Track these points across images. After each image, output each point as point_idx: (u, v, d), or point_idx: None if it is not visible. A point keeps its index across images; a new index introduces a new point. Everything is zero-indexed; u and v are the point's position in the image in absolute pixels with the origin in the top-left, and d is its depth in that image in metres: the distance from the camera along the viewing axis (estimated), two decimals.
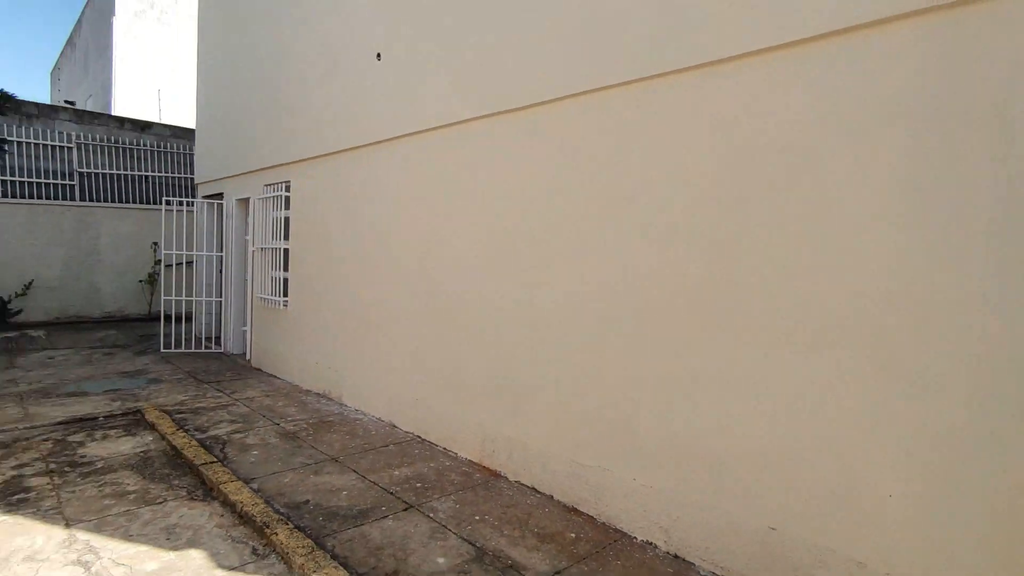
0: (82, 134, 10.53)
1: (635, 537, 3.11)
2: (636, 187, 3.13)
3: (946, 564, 2.12)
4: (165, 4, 15.04)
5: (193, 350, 7.95)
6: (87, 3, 17.43)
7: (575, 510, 3.42)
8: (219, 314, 8.38)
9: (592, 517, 3.33)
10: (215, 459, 3.98)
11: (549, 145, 3.60)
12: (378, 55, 5.06)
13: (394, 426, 4.88)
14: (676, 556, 2.93)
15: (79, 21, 18.55)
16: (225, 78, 8.12)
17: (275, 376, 6.67)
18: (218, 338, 8.31)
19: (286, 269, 6.60)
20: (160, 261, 10.30)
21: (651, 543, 3.05)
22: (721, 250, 2.77)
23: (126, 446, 4.31)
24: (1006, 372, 1.99)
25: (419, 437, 4.61)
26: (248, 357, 7.39)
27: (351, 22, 5.40)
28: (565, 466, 3.50)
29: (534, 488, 3.69)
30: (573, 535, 3.12)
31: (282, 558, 2.81)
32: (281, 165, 6.65)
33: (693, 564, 2.86)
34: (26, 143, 9.83)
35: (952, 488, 2.10)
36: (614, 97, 3.22)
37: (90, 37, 16.94)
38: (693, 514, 2.88)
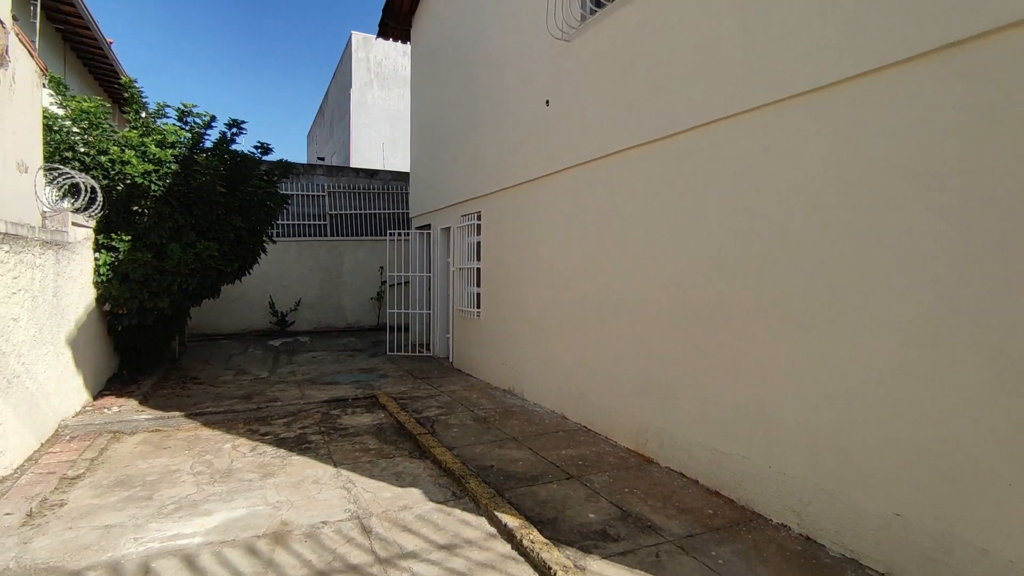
0: (331, 184, 13.48)
1: (770, 519, 3.40)
2: (758, 203, 3.48)
3: None
4: (386, 72, 18.31)
5: (409, 353, 9.72)
6: (332, 80, 21.90)
7: (717, 493, 3.79)
8: (428, 324, 10.08)
9: (732, 500, 3.68)
10: (427, 432, 5.15)
11: (683, 169, 4.09)
12: (547, 102, 5.97)
13: (564, 417, 5.64)
14: (808, 538, 3.17)
15: (326, 94, 23.32)
16: (431, 128, 9.88)
17: (471, 375, 7.94)
18: (428, 344, 10.00)
19: (478, 285, 7.85)
20: (385, 282, 12.65)
21: (785, 525, 3.32)
22: (846, 250, 3.02)
23: (367, 419, 5.75)
24: None
25: (584, 427, 5.30)
26: (450, 359, 8.84)
27: (524, 76, 6.42)
28: (708, 454, 3.90)
29: (681, 473, 4.13)
30: (711, 511, 3.53)
31: (472, 500, 3.73)
32: (473, 199, 7.97)
33: (824, 546, 3.08)
34: (297, 195, 12.98)
35: None
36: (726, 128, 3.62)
37: (334, 105, 21.24)
38: (823, 499, 3.11)
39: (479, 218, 7.83)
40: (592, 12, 5.26)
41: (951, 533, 2.54)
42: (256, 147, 7.93)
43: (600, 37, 5.07)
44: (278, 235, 12.46)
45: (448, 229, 9.07)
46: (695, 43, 3.98)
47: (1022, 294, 2.31)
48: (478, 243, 7.88)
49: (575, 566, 2.84)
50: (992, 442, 2.40)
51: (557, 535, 3.21)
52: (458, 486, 3.98)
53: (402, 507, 3.65)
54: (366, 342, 11.37)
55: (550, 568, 2.78)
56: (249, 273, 8.50)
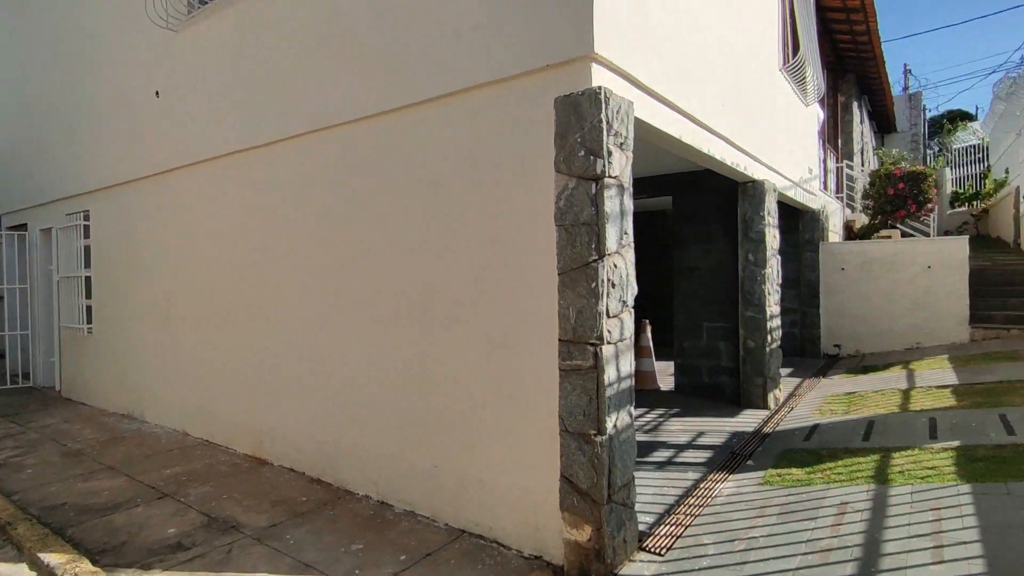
0: None
1: (357, 493, 3.80)
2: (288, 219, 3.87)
3: (520, 468, 2.99)
4: None
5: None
6: None
7: (319, 480, 4.05)
8: (30, 348, 8.10)
9: (330, 484, 3.97)
10: None
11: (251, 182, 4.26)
12: (156, 92, 5.45)
13: (186, 434, 5.24)
14: (382, 502, 3.65)
15: None
16: (23, 102, 7.94)
17: (83, 403, 6.70)
18: (30, 373, 8.03)
19: (89, 296, 6.67)
20: None
21: (367, 496, 3.75)
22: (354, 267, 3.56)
23: None
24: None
25: (207, 441, 5.02)
26: (58, 388, 7.29)
27: (132, 60, 5.72)
28: (311, 445, 4.13)
29: (291, 468, 4.27)
30: (304, 499, 3.75)
31: (16, 546, 3.19)
32: (80, 195, 6.73)
33: (392, 506, 3.59)
34: None
35: (512, 416, 2.99)
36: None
37: None
38: (390, 465, 3.62)
39: (87, 218, 6.65)
40: (198, 6, 5.01)
41: (465, 474, 3.25)
42: None
43: (209, 33, 4.87)
44: None
45: (50, 230, 7.45)
46: (272, 64, 4.17)
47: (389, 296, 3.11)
48: (87, 247, 6.69)
49: None
50: (478, 402, 3.16)
51: (118, 560, 2.99)
52: (3, 535, 3.34)
53: None
54: None
55: None
56: None
